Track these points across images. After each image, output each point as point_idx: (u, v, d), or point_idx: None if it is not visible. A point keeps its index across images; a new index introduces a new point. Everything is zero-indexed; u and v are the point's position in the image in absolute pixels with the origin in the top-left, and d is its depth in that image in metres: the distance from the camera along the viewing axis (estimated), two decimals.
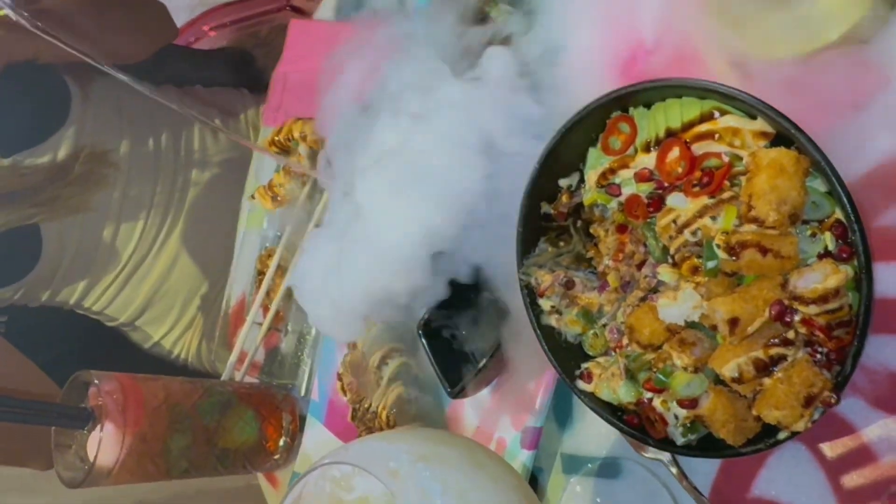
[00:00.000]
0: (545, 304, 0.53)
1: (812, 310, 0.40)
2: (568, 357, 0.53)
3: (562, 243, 0.54)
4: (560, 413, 0.60)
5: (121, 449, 0.68)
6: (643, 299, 0.48)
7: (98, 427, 0.69)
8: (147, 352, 1.21)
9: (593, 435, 0.58)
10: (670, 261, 0.46)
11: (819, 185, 0.42)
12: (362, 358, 0.69)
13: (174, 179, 1.17)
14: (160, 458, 0.70)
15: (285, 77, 0.90)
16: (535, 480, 0.61)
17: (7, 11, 0.67)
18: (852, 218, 0.40)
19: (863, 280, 0.40)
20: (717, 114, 0.44)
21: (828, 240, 0.41)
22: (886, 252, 0.46)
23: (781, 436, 0.43)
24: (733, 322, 0.41)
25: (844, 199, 0.40)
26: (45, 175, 1.05)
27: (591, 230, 0.52)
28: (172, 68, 1.22)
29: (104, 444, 0.67)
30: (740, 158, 0.43)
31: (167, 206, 1.17)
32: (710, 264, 0.42)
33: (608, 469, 0.57)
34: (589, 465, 0.57)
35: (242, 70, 1.28)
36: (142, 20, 1.19)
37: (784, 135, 0.42)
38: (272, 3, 1.22)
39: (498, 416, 0.61)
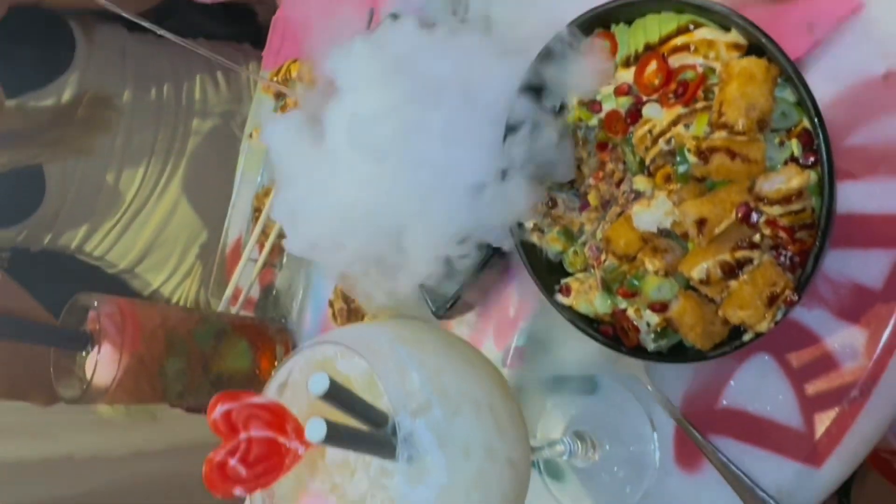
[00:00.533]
0: (528, 222, 0.55)
1: (776, 210, 0.42)
2: (549, 273, 0.55)
3: (545, 161, 0.56)
4: (541, 334, 0.62)
5: (118, 368, 0.70)
6: (621, 214, 0.50)
7: (96, 349, 0.71)
8: (146, 299, 1.23)
9: (572, 355, 0.60)
10: (646, 172, 0.48)
11: (789, 95, 0.44)
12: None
13: (175, 128, 1.19)
14: (156, 380, 0.73)
15: (285, 21, 0.92)
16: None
17: None
18: (817, 124, 0.42)
19: (825, 185, 0.42)
20: (693, 27, 0.46)
21: (794, 147, 0.43)
22: (855, 169, 0.48)
23: (746, 337, 0.45)
24: (701, 223, 0.43)
25: (810, 105, 0.42)
26: (49, 117, 1.07)
27: (575, 153, 0.54)
28: (176, 18, 1.24)
29: (101, 364, 0.70)
30: (714, 70, 0.45)
31: (168, 154, 1.19)
32: (682, 168, 0.44)
33: (584, 385, 0.59)
34: (566, 383, 0.60)
35: (245, 24, 1.29)
36: None
37: (756, 46, 0.44)
38: None
39: (482, 336, 0.64)
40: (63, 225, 1.15)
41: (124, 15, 0.78)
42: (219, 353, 0.77)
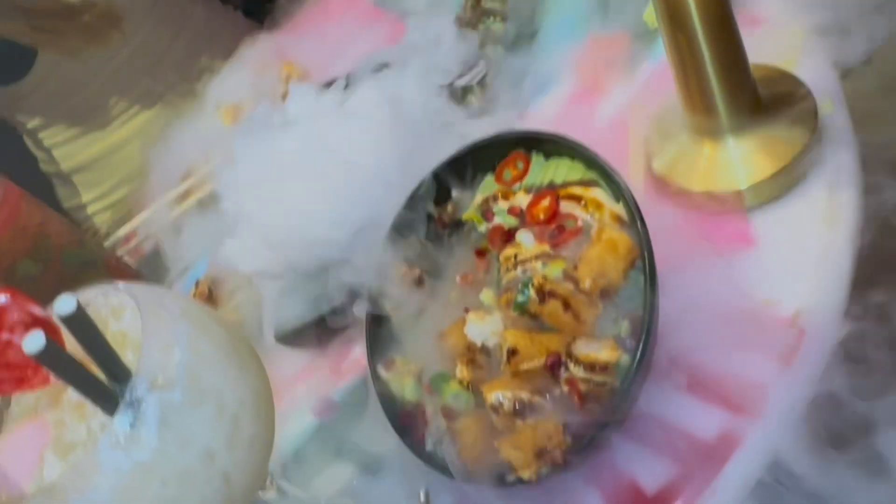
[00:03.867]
0: (390, 287, 0.56)
1: (579, 372, 0.44)
2: (385, 343, 0.56)
3: (430, 246, 0.57)
4: (357, 397, 0.62)
5: None
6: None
7: None
8: (63, 210, 1.23)
9: (374, 430, 0.60)
10: (497, 291, 0.50)
11: (641, 281, 0.46)
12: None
13: (164, 74, 1.21)
14: (1, 272, 0.72)
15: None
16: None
17: None
18: (647, 317, 0.44)
19: (630, 375, 0.43)
20: (593, 184, 0.48)
21: (623, 328, 0.45)
22: (677, 380, 0.50)
23: (509, 477, 0.46)
24: (512, 352, 0.45)
25: (648, 298, 0.44)
26: (55, 7, 1.09)
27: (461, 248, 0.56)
28: None
29: None
30: (591, 228, 0.47)
31: (148, 95, 1.21)
32: (521, 298, 0.46)
33: (370, 462, 0.59)
34: (355, 453, 0.59)
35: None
36: None
37: (634, 225, 0.47)
38: None
39: (306, 374, 0.64)
40: (31, 105, 1.16)
41: None
42: (76, 279, 0.76)
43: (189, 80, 1.23)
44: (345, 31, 0.89)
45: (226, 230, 0.68)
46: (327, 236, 0.59)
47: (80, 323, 0.33)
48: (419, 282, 0.56)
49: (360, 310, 0.58)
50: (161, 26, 1.21)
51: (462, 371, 0.48)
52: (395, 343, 0.56)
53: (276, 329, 0.63)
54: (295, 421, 0.63)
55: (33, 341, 0.32)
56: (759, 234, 0.54)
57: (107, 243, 0.86)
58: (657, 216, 0.54)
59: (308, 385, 0.64)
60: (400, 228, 0.56)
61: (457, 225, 0.55)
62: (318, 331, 0.63)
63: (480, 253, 0.53)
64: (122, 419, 0.36)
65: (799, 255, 0.52)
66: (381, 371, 0.54)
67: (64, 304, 0.33)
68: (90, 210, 1.23)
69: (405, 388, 0.52)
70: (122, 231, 0.86)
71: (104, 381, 0.36)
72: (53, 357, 0.32)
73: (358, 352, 0.63)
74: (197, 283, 0.73)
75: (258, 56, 0.98)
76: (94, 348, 0.35)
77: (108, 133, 1.20)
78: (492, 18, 0.72)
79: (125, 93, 1.20)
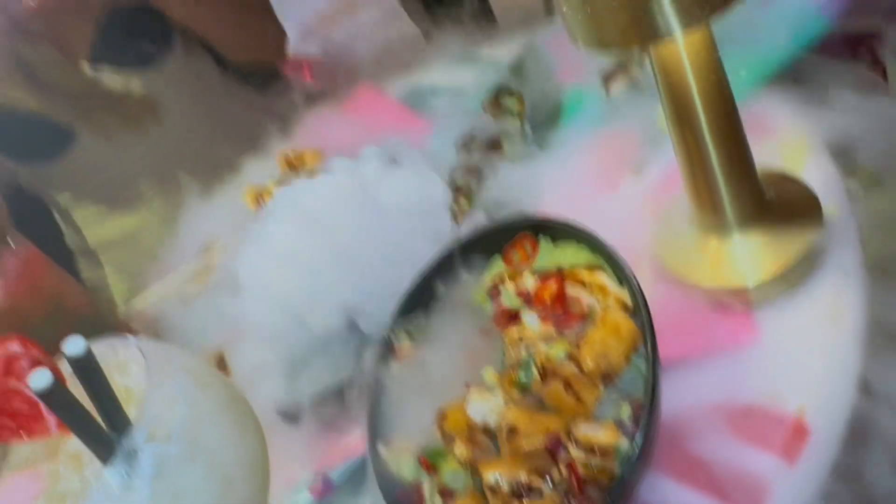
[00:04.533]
0: (394, 366, 0.57)
1: (579, 455, 0.43)
2: (385, 421, 0.56)
3: (436, 324, 0.58)
4: (357, 478, 0.61)
5: None
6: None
7: None
8: (82, 281, 1.25)
9: None
10: (501, 369, 0.50)
11: (643, 366, 0.46)
12: None
13: (197, 165, 1.26)
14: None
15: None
16: None
17: None
18: (649, 404, 0.44)
19: (632, 461, 0.43)
20: (599, 269, 0.49)
21: (624, 411, 0.45)
22: (678, 471, 0.49)
23: None
24: (512, 431, 0.45)
25: (650, 384, 0.44)
26: (96, 92, 1.15)
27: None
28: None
29: None
30: (596, 312, 0.48)
31: (179, 183, 1.25)
32: (523, 377, 0.46)
33: None
34: None
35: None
36: (261, 35, 1.33)
37: (638, 311, 0.47)
38: None
39: (307, 449, 0.63)
40: (64, 181, 1.20)
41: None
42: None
43: (217, 167, 1.28)
44: (368, 123, 0.93)
45: (239, 304, 0.70)
46: (335, 310, 0.60)
47: (87, 366, 0.33)
48: (422, 360, 0.57)
49: (363, 387, 0.58)
50: (195, 115, 1.27)
51: (461, 449, 0.47)
52: (396, 420, 0.56)
53: (279, 404, 0.63)
54: (292, 500, 0.62)
55: (40, 378, 0.32)
56: (764, 331, 0.54)
57: (120, 311, 0.87)
58: (664, 308, 0.55)
59: (306, 463, 0.63)
60: (407, 306, 0.57)
61: (464, 304, 0.56)
62: (321, 408, 0.63)
63: (485, 332, 0.54)
64: (117, 468, 0.36)
65: (803, 352, 0.52)
66: (381, 449, 0.54)
67: (73, 345, 0.33)
68: (114, 288, 1.26)
69: (403, 466, 0.52)
70: (137, 301, 0.87)
71: (103, 428, 0.37)
72: (57, 396, 0.32)
73: (358, 430, 0.63)
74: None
75: (286, 145, 1.02)
76: (97, 393, 0.35)
77: (135, 212, 1.24)
78: (509, 116, 0.76)
79: (154, 176, 1.25)
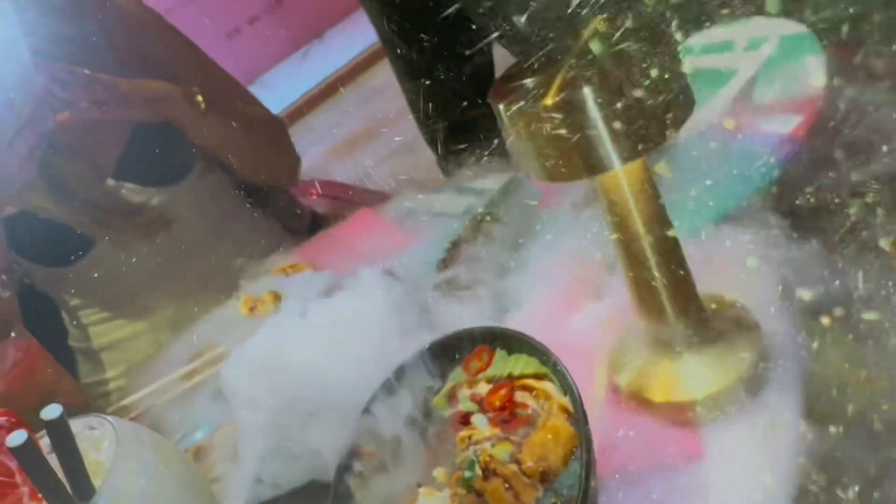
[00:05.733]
0: (357, 464, 0.60)
1: None
2: None
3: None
4: None
5: None
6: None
7: None
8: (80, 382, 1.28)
9: None
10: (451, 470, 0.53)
11: (579, 471, 0.49)
12: None
13: (204, 277, 1.32)
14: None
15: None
16: None
17: None
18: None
19: None
20: (546, 378, 0.53)
21: None
22: None
23: None
24: None
25: (583, 484, 0.47)
26: (117, 205, 1.22)
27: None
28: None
29: None
30: (540, 416, 0.51)
31: (186, 293, 1.31)
32: (467, 474, 0.49)
33: None
34: None
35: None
36: (276, 159, 1.42)
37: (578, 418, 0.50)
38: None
39: None
40: (77, 285, 1.26)
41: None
42: None
43: (221, 280, 1.34)
44: (362, 242, 0.99)
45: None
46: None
47: (60, 430, 0.37)
48: (382, 465, 0.60)
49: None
50: (207, 230, 1.34)
51: None
52: None
53: (249, 499, 0.66)
54: None
55: (17, 437, 0.36)
56: (707, 447, 0.57)
57: (110, 410, 0.91)
58: (615, 423, 0.59)
59: None
60: (372, 410, 0.60)
61: (425, 413, 0.60)
62: None
63: (441, 437, 0.57)
64: None
65: (744, 469, 0.55)
66: None
67: (50, 410, 0.38)
68: (111, 386, 1.29)
69: None
70: (127, 401, 0.90)
71: (69, 493, 0.40)
72: (30, 455, 0.36)
73: None
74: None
75: (285, 260, 1.08)
76: (67, 459, 0.39)
77: (141, 320, 1.29)
78: (486, 238, 0.81)
79: (163, 286, 1.30)
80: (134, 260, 1.25)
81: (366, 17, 1.37)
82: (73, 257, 1.23)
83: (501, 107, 0.48)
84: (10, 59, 0.99)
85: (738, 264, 0.68)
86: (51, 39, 1.06)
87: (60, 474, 0.42)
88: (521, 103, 0.47)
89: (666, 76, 0.47)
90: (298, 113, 3.17)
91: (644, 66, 0.46)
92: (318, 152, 2.94)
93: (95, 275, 1.24)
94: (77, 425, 0.48)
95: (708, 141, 0.80)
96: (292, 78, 3.43)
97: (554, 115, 0.46)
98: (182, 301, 1.31)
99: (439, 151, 1.25)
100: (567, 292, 0.71)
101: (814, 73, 0.79)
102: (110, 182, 1.22)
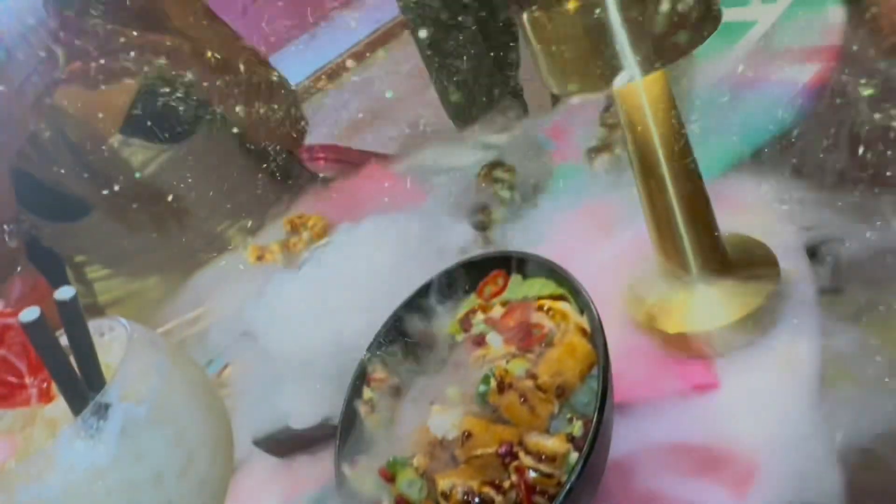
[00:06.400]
0: (367, 392, 0.59)
1: (528, 461, 0.45)
2: (356, 447, 0.57)
3: (412, 358, 0.60)
4: None
5: None
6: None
7: None
8: None
9: None
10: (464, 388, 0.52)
11: (596, 387, 0.48)
12: None
13: (206, 238, 1.31)
14: None
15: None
16: None
17: None
18: (595, 423, 0.45)
19: (578, 470, 0.44)
20: (562, 298, 0.52)
21: (576, 428, 0.47)
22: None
23: None
24: (467, 435, 0.46)
25: (597, 406, 0.46)
26: (119, 170, 1.21)
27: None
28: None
29: None
30: (555, 334, 0.50)
31: (188, 253, 1.30)
32: (482, 388, 0.48)
33: None
34: None
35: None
36: (284, 123, 1.42)
37: (595, 336, 0.50)
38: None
39: (277, 480, 0.64)
40: (80, 243, 1.25)
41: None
42: None
43: (227, 238, 1.34)
44: (371, 195, 0.98)
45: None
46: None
47: (73, 312, 0.37)
48: (395, 391, 0.59)
49: (336, 417, 0.60)
50: (211, 188, 1.33)
51: (419, 460, 0.49)
52: (366, 446, 0.57)
53: (255, 433, 0.65)
54: None
55: (30, 313, 0.35)
56: (723, 378, 0.56)
57: None
58: (629, 353, 0.58)
59: (276, 493, 0.64)
60: (385, 337, 0.60)
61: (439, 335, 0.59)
62: (295, 441, 0.64)
63: (458, 364, 0.56)
64: (87, 419, 0.39)
65: (759, 398, 0.54)
66: (346, 470, 0.55)
67: (64, 291, 0.37)
68: None
69: (366, 484, 0.53)
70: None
71: (80, 378, 0.39)
72: (41, 333, 0.36)
73: (329, 460, 0.64)
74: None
75: (293, 212, 1.08)
76: (79, 345, 0.38)
77: (145, 275, 1.29)
78: (500, 185, 0.81)
79: (166, 246, 1.30)
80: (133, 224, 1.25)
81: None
82: (75, 215, 1.22)
83: (525, 14, 0.47)
84: (23, 3, 0.98)
85: (758, 208, 0.67)
86: None
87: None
88: (543, 9, 0.46)
89: None
90: (305, 93, 3.17)
91: None
92: (325, 133, 2.94)
93: (97, 235, 1.25)
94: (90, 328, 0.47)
95: (726, 89, 0.79)
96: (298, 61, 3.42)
97: (576, 20, 0.45)
98: (185, 259, 1.31)
99: (451, 102, 1.24)
100: (584, 231, 0.71)
101: (833, 22, 0.78)
102: (115, 139, 1.22)
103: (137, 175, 1.24)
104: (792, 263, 0.60)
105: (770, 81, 0.78)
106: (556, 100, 0.94)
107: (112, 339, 0.46)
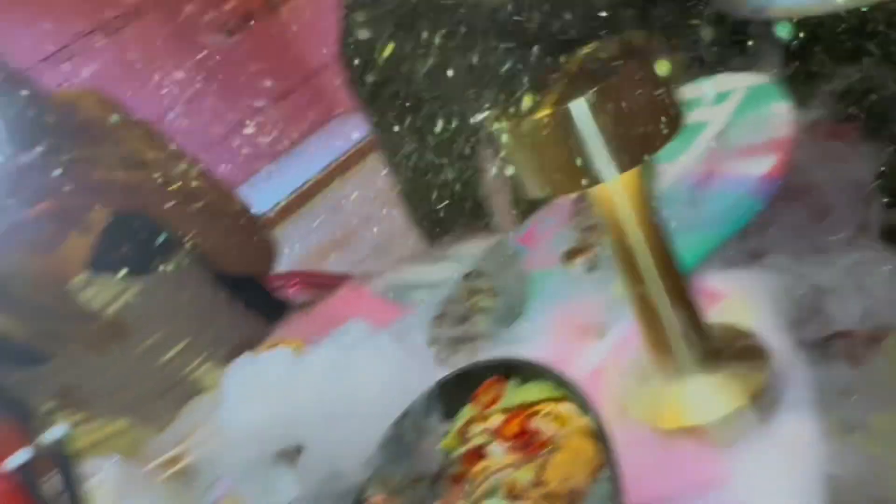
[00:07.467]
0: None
1: None
2: None
3: (412, 477, 0.58)
4: None
5: None
6: None
7: None
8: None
9: None
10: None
11: (605, 490, 0.47)
12: None
13: (181, 373, 1.28)
14: None
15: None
16: None
17: None
18: None
19: None
20: (560, 401, 0.52)
21: None
22: None
23: None
24: None
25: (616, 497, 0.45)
26: (66, 309, 1.18)
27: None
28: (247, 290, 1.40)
29: None
30: (559, 438, 0.49)
31: (162, 391, 1.27)
32: (491, 502, 0.47)
33: None
34: None
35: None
36: (254, 249, 1.41)
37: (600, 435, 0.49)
38: None
39: None
40: (46, 389, 1.21)
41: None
42: None
43: (200, 372, 1.30)
44: (347, 315, 0.98)
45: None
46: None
47: (60, 452, 0.35)
48: None
49: None
50: (182, 328, 1.30)
51: None
52: None
53: None
54: None
55: (20, 456, 0.34)
56: (733, 468, 0.55)
57: None
58: (632, 447, 0.56)
59: None
60: (379, 457, 0.58)
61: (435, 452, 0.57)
62: None
63: (457, 479, 0.55)
64: None
65: (770, 488, 0.53)
66: None
67: (57, 430, 0.35)
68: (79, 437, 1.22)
69: None
70: None
71: None
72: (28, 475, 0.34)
73: None
74: None
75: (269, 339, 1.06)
76: (65, 480, 0.36)
77: (118, 419, 1.24)
78: (480, 295, 0.81)
79: (137, 386, 1.26)
80: (102, 360, 1.21)
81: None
82: (35, 363, 1.18)
83: (495, 125, 0.49)
84: None
85: (735, 295, 0.68)
86: (31, 127, 1.06)
87: None
88: (514, 119, 0.48)
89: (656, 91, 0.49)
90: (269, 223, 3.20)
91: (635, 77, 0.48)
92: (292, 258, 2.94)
93: (62, 377, 1.20)
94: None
95: (688, 188, 0.82)
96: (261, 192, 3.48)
97: (547, 128, 0.47)
98: (156, 399, 1.26)
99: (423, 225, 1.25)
100: (568, 337, 0.71)
101: (783, 117, 0.82)
102: (80, 279, 1.19)
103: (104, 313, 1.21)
104: (778, 345, 0.61)
105: (729, 177, 0.81)
106: (523, 215, 0.97)
107: (100, 482, 0.44)
